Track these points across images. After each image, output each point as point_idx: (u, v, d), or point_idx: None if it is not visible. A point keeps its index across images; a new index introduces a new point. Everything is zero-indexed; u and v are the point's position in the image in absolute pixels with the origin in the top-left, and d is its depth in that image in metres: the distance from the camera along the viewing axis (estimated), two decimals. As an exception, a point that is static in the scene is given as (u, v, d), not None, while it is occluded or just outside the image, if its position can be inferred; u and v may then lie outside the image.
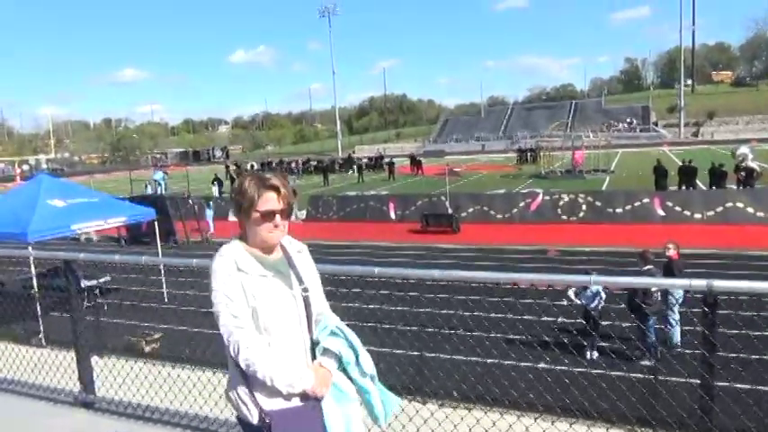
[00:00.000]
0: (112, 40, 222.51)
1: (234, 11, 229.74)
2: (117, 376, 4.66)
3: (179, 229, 19.70)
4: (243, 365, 1.99)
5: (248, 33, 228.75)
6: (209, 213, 22.39)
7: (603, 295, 8.25)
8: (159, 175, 24.42)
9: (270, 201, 2.13)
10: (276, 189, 2.14)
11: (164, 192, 23.83)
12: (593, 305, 8.15)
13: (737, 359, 6.32)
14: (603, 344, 7.94)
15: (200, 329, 8.69)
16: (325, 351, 2.17)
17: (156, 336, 9.21)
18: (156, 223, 12.96)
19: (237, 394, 2.07)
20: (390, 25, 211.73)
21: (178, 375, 4.81)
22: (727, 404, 4.68)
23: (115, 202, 13.02)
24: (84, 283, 10.60)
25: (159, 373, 4.74)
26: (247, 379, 2.03)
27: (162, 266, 12.27)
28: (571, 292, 8.31)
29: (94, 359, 4.93)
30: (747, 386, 6.00)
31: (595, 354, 8.09)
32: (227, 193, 32.48)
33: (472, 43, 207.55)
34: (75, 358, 4.68)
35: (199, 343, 7.70)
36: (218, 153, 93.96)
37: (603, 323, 8.12)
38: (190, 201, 22.58)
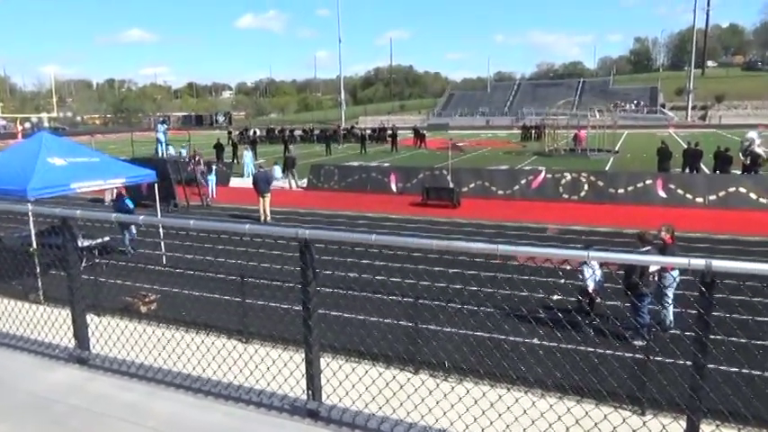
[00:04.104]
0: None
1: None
2: (112, 335, 4.68)
3: (179, 192, 19.66)
4: None
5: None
6: (212, 178, 22.34)
7: (598, 275, 8.26)
8: (161, 129, 24.15)
9: None
10: None
11: (165, 149, 23.62)
12: (590, 286, 8.18)
13: (731, 342, 6.35)
14: (597, 322, 7.97)
15: (197, 293, 8.72)
16: None
17: (153, 297, 9.25)
18: (156, 186, 12.92)
19: None
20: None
21: (172, 336, 4.83)
22: (717, 385, 4.70)
23: (116, 163, 12.95)
24: (83, 243, 10.63)
25: (153, 333, 4.76)
26: None
27: (161, 229, 12.28)
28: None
29: (90, 317, 4.95)
30: (737, 369, 6.05)
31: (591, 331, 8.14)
32: (228, 159, 32.42)
33: (483, 17, 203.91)
34: (70, 315, 4.70)
35: (194, 306, 7.75)
36: (221, 118, 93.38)
37: (600, 301, 8.14)
38: (203, 165, 22.47)
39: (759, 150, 23.37)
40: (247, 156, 30.05)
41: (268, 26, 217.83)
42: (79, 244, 9.77)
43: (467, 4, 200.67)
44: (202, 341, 4.58)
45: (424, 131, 47.75)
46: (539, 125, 48.55)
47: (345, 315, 7.44)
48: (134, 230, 12.77)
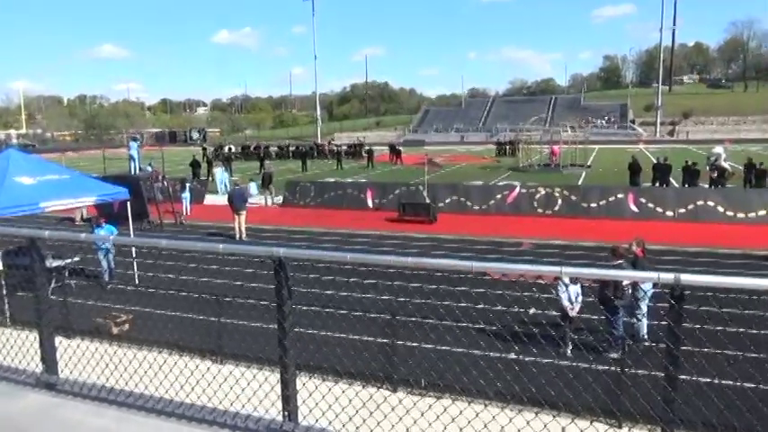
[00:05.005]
0: (93, 13, 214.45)
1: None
2: (82, 358, 4.56)
3: (152, 210, 19.38)
4: None
5: (236, 13, 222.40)
6: (186, 196, 22.09)
7: (572, 291, 8.32)
8: (134, 146, 23.85)
9: None
10: None
11: (137, 166, 23.32)
12: (564, 303, 8.24)
13: (701, 353, 6.47)
14: (573, 336, 8.04)
15: (171, 312, 8.57)
16: None
17: (125, 318, 9.06)
18: (128, 204, 12.71)
19: None
20: (376, 14, 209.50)
21: (144, 357, 4.73)
22: (689, 396, 4.77)
23: (87, 181, 12.72)
24: (52, 263, 10.38)
25: (125, 354, 4.65)
26: None
27: (133, 248, 12.06)
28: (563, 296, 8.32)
29: (59, 340, 4.82)
30: (709, 379, 6.15)
31: (569, 350, 8.16)
32: (203, 177, 32.11)
33: (456, 35, 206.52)
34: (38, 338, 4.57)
35: (167, 325, 7.61)
36: (196, 135, 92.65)
37: (574, 316, 8.22)
38: (164, 182, 22.21)
39: (725, 165, 24.07)
40: (218, 172, 29.77)
41: (243, 43, 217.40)
42: (48, 264, 9.53)
43: (440, 21, 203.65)
44: (175, 363, 4.49)
45: (400, 147, 48.01)
46: (513, 141, 49.23)
47: (322, 333, 7.39)
48: (113, 260, 12.24)
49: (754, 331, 8.16)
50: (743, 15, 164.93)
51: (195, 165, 33.25)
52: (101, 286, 11.69)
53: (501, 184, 26.03)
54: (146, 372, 4.29)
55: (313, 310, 7.54)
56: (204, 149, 46.77)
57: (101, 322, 8.89)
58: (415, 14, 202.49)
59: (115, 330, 8.66)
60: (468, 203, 21.49)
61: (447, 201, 21.63)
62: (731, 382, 6.22)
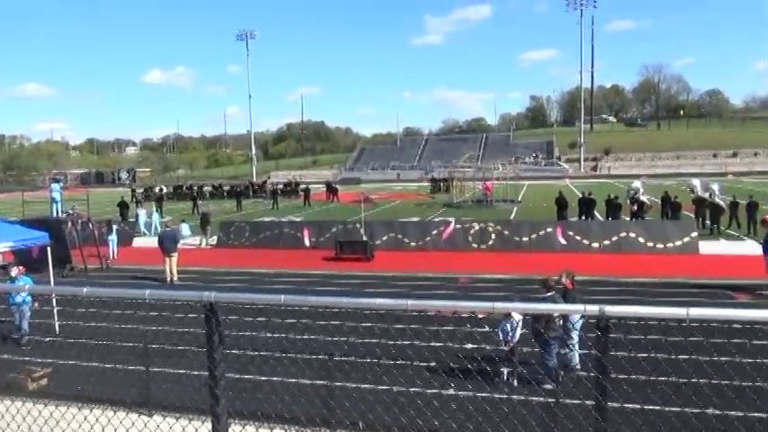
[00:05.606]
0: (16, 51, 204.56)
1: (158, 29, 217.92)
2: (-9, 418, 4.19)
3: (76, 255, 18.39)
4: None
5: (169, 53, 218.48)
6: (113, 238, 21.13)
7: (509, 327, 8.48)
8: (56, 188, 22.63)
9: None
10: None
11: (60, 208, 22.17)
12: (512, 336, 8.37)
13: (629, 380, 6.70)
14: (508, 369, 8.15)
15: (94, 363, 8.07)
16: None
17: (42, 371, 8.44)
18: (48, 249, 12.01)
19: None
20: (312, 53, 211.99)
21: (63, 415, 4.41)
22: (619, 424, 4.92)
23: (2, 225, 11.97)
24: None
25: (41, 413, 4.32)
26: None
27: (53, 296, 11.36)
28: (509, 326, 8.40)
29: (-35, 400, 4.43)
30: (638, 406, 6.37)
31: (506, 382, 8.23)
32: (132, 219, 30.95)
33: (390, 76, 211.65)
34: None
35: (89, 378, 7.15)
36: (125, 175, 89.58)
37: (507, 348, 8.36)
38: (90, 225, 21.18)
39: (644, 198, 25.58)
40: (142, 214, 28.78)
41: (176, 82, 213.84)
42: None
43: (376, 62, 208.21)
44: (97, 419, 4.21)
45: (337, 185, 48.19)
46: (447, 178, 50.46)
47: (255, 378, 7.15)
48: (27, 313, 10.92)
49: (673, 356, 8.57)
50: (653, 59, 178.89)
51: (123, 206, 32.06)
52: (14, 339, 10.88)
53: (436, 220, 26.49)
54: (63, 430, 4.00)
55: (246, 354, 7.31)
56: (133, 190, 45.20)
57: (15, 378, 8.25)
58: (351, 55, 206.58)
59: (31, 386, 8.04)
60: (405, 240, 21.69)
61: (384, 238, 21.74)
62: (657, 407, 6.47)
